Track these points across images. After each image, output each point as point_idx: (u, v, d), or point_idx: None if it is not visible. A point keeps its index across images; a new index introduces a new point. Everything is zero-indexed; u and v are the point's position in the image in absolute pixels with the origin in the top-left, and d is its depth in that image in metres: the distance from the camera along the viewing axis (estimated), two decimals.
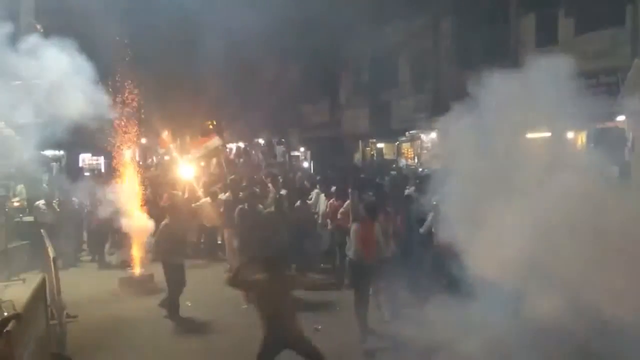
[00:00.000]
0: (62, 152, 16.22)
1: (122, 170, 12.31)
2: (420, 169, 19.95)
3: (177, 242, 9.58)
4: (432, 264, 9.38)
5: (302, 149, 29.83)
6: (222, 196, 13.47)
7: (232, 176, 14.71)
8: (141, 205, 12.93)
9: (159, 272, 12.15)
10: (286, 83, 28.10)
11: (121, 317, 9.49)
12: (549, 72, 5.94)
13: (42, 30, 14.32)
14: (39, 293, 6.41)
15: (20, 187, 13.55)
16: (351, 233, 8.49)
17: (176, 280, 9.52)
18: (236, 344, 8.11)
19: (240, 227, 9.99)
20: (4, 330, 4.62)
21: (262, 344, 5.91)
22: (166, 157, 38.85)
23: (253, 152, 35.29)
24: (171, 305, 9.48)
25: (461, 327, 6.76)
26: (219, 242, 14.17)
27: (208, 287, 11.26)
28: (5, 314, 5.06)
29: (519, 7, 16.15)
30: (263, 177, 16.63)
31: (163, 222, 9.66)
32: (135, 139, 12.73)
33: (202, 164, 17.40)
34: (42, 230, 9.63)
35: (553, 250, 5.54)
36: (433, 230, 9.56)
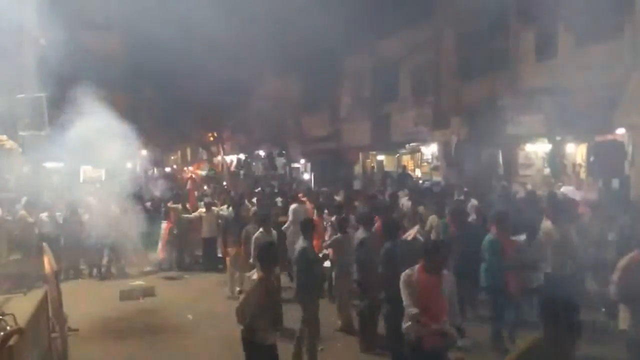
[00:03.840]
0: (62, 164, 16.19)
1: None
2: (420, 181, 20.01)
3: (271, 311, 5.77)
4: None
5: (302, 161, 29.89)
6: (223, 210, 13.50)
7: (232, 191, 14.76)
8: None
9: (159, 284, 12.21)
10: (287, 96, 28.26)
11: (122, 329, 9.47)
12: None
13: (45, 44, 14.44)
14: (41, 306, 6.41)
15: (23, 200, 13.54)
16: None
17: None
18: (239, 357, 8.09)
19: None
20: (6, 345, 4.63)
21: None
22: (167, 169, 39.09)
23: (253, 163, 35.45)
24: None
25: None
26: (219, 255, 14.18)
27: (209, 300, 11.28)
28: (8, 328, 5.03)
29: (519, 21, 16.25)
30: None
31: (251, 290, 5.88)
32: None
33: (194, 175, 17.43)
34: (44, 243, 9.60)
35: None
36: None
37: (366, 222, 8.81)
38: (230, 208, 13.09)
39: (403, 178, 20.66)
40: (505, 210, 8.78)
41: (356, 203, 13.21)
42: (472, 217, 10.27)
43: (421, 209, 11.85)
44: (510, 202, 11.24)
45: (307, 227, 8.24)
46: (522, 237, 8.20)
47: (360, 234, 8.59)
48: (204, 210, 13.71)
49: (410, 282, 5.39)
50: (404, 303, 5.42)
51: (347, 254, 8.91)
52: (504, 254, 7.68)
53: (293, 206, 12.83)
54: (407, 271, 5.47)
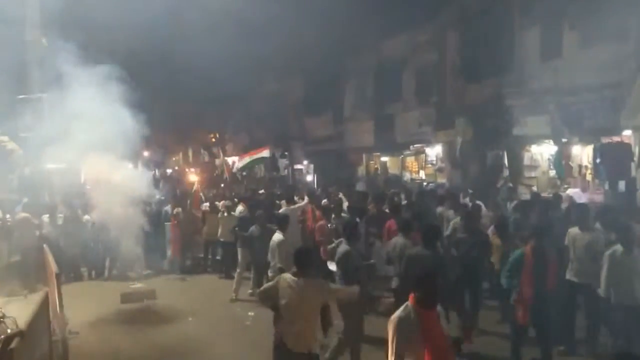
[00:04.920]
0: (64, 166, 16.16)
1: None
2: (425, 183, 19.92)
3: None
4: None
5: (305, 162, 29.81)
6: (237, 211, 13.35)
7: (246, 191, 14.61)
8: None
9: (160, 287, 12.11)
10: (290, 96, 28.23)
11: (123, 332, 9.40)
12: None
13: (47, 44, 14.38)
14: (42, 309, 6.33)
15: (25, 201, 13.49)
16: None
17: None
18: (240, 358, 8.03)
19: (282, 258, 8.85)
20: (8, 348, 4.57)
21: None
22: (168, 170, 39.04)
23: (256, 165, 35.32)
24: None
25: None
26: (217, 257, 14.09)
27: (210, 302, 11.21)
28: (9, 331, 4.96)
29: (524, 21, 16.17)
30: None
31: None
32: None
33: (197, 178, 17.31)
34: (44, 245, 9.54)
35: None
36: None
37: (406, 228, 8.36)
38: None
39: (395, 180, 20.62)
40: (543, 224, 7.93)
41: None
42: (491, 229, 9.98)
43: (440, 209, 11.76)
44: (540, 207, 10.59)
45: (352, 230, 7.80)
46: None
47: (398, 240, 8.16)
48: (225, 214, 13.48)
49: (407, 324, 4.40)
50: (391, 356, 4.42)
51: None
52: (525, 274, 6.84)
53: (284, 209, 12.28)
54: (399, 312, 4.49)
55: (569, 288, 7.90)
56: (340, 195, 14.69)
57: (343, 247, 7.52)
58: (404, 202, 13.25)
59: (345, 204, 12.75)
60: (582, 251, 7.87)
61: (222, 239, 13.36)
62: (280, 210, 12.16)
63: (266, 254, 9.44)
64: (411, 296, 4.53)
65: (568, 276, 7.97)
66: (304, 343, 5.48)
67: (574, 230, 8.22)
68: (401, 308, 4.52)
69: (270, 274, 8.91)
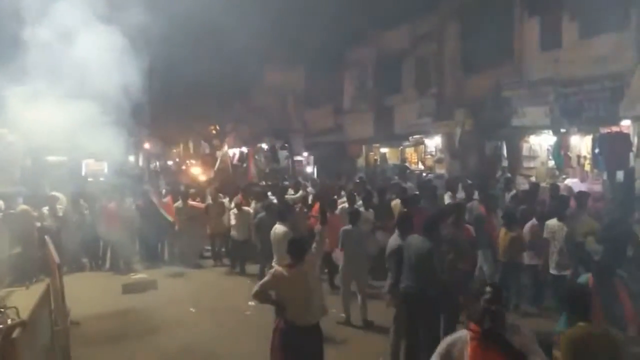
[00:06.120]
0: (65, 158, 16.18)
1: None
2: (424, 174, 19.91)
3: None
4: None
5: (305, 154, 29.82)
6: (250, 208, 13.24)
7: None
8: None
9: (162, 278, 12.19)
10: (290, 88, 28.19)
11: (124, 322, 9.45)
12: None
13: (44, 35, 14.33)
14: (43, 300, 6.38)
15: (26, 192, 13.50)
16: None
17: None
18: (241, 353, 8.06)
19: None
20: (10, 338, 4.60)
21: None
22: (169, 163, 39.06)
23: (256, 156, 35.25)
24: None
25: None
26: (222, 249, 14.12)
27: (211, 293, 11.27)
28: (10, 321, 5.00)
29: (523, 11, 16.14)
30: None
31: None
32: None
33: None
34: (45, 236, 9.57)
35: None
36: None
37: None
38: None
39: (403, 170, 20.50)
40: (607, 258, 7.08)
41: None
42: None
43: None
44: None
45: (404, 222, 7.55)
46: None
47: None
48: (235, 210, 13.09)
49: (453, 348, 3.78)
50: None
51: (355, 246, 8.87)
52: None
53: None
54: (454, 337, 3.89)
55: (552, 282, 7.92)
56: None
57: (394, 241, 7.31)
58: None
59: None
60: (562, 243, 7.90)
61: (234, 237, 13.14)
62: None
63: None
64: (473, 326, 3.80)
65: (551, 269, 8.02)
66: (312, 315, 5.69)
67: (552, 222, 8.23)
68: (457, 334, 3.93)
69: (274, 264, 8.74)
